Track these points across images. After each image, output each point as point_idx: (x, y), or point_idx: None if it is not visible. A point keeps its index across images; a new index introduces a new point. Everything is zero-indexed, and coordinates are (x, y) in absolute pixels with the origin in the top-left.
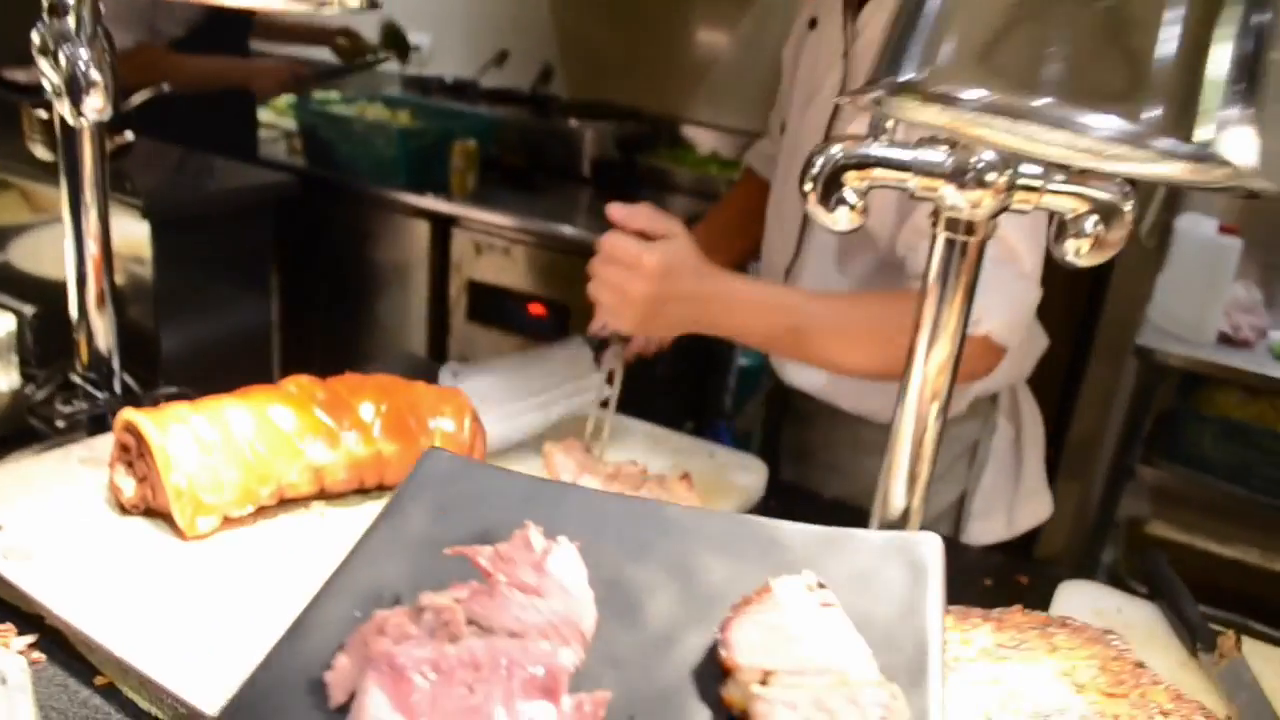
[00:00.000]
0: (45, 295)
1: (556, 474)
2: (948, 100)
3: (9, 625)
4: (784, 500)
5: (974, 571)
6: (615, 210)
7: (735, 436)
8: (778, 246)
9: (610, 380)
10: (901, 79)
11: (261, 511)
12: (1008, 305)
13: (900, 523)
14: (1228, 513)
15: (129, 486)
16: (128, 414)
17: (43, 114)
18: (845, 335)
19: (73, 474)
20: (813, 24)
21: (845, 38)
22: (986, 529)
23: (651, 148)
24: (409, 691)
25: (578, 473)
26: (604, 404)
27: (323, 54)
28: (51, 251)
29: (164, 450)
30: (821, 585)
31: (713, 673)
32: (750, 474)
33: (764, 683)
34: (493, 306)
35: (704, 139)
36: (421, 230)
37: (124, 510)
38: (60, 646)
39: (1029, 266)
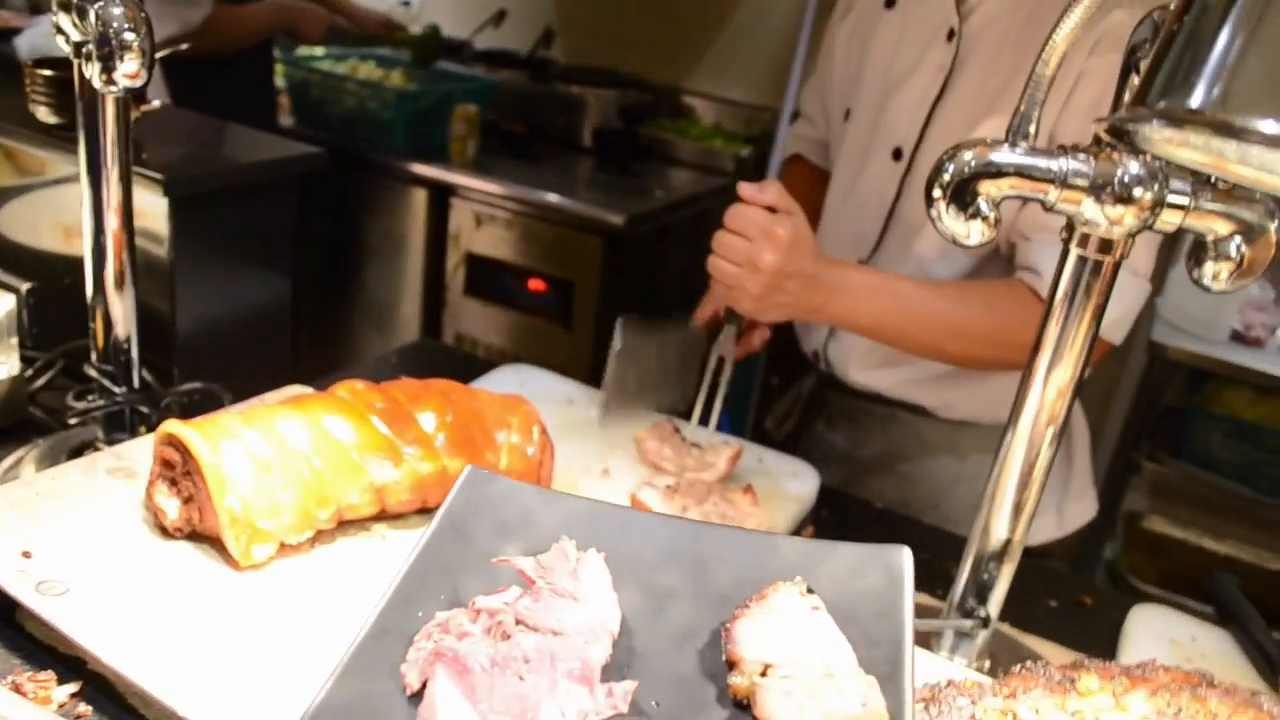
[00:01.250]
0: (42, 269)
1: (650, 459)
2: (1238, 132)
3: (49, 674)
4: (837, 510)
5: (1036, 591)
6: (746, 187)
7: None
8: (846, 238)
9: (720, 367)
10: (1190, 104)
11: (319, 535)
12: (1122, 303)
13: (1000, 556)
14: (1227, 511)
15: (173, 508)
16: (173, 428)
17: (48, 72)
18: (955, 325)
19: (102, 488)
20: (890, 3)
21: (958, 14)
22: (1039, 528)
23: (653, 118)
24: (471, 680)
25: (672, 457)
26: (711, 389)
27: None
28: (48, 221)
29: (217, 470)
30: (811, 591)
31: (722, 665)
32: (802, 481)
33: (764, 674)
34: (492, 281)
35: (706, 110)
36: (419, 199)
37: (165, 533)
38: (106, 695)
39: (1144, 265)
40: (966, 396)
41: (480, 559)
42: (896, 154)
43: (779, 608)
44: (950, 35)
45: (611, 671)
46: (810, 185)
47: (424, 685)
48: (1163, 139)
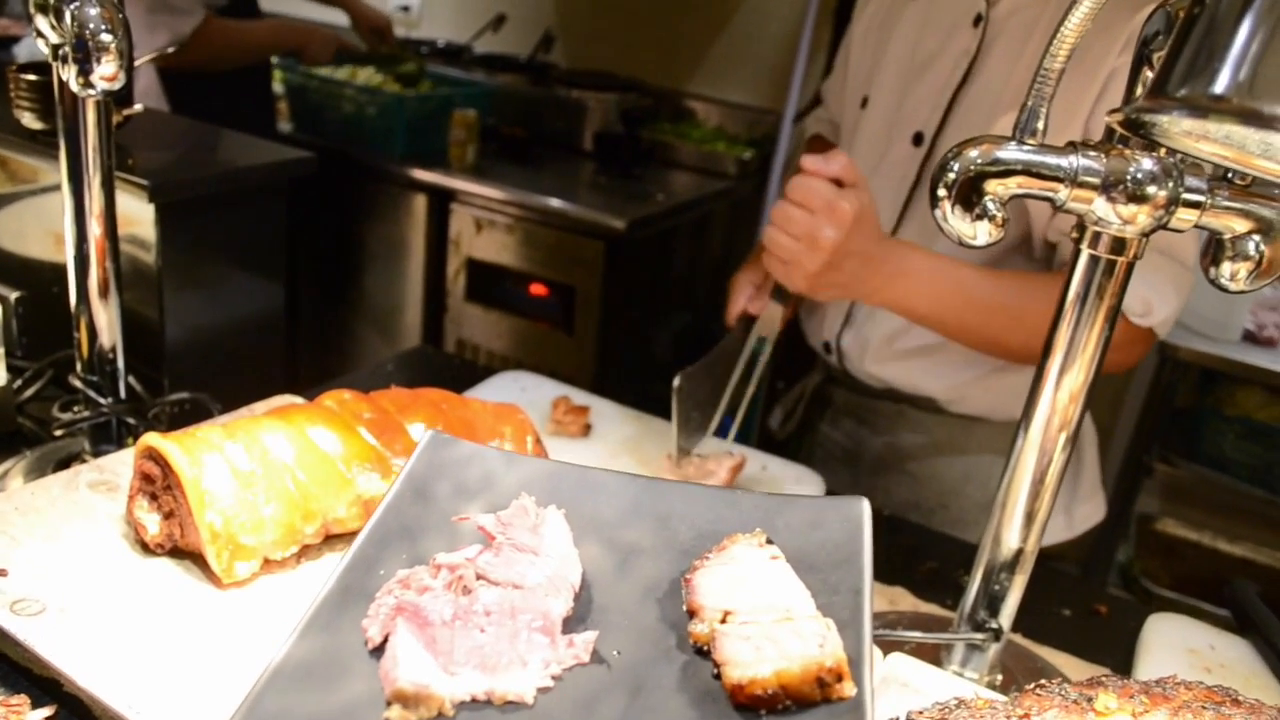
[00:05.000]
0: (32, 277)
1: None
2: (1266, 120)
3: (22, 697)
4: None
5: (1049, 600)
6: (810, 158)
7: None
8: None
9: (758, 352)
10: (1214, 91)
11: (304, 550)
12: (1177, 298)
13: (1012, 566)
14: (1241, 513)
15: (153, 523)
16: (153, 440)
17: (31, 76)
18: (1016, 314)
19: (83, 502)
20: None
21: (987, 1)
22: (1048, 529)
23: (654, 121)
24: (432, 633)
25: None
26: (746, 375)
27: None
28: (37, 229)
29: (197, 484)
30: (770, 542)
31: (682, 615)
32: (806, 488)
33: (723, 621)
34: (493, 286)
35: (708, 113)
36: (419, 204)
37: (146, 549)
38: (82, 719)
39: (1192, 256)
40: (981, 390)
41: (442, 519)
42: (917, 139)
43: (738, 558)
44: (977, 21)
45: (573, 624)
46: None
47: (386, 639)
48: (1182, 131)
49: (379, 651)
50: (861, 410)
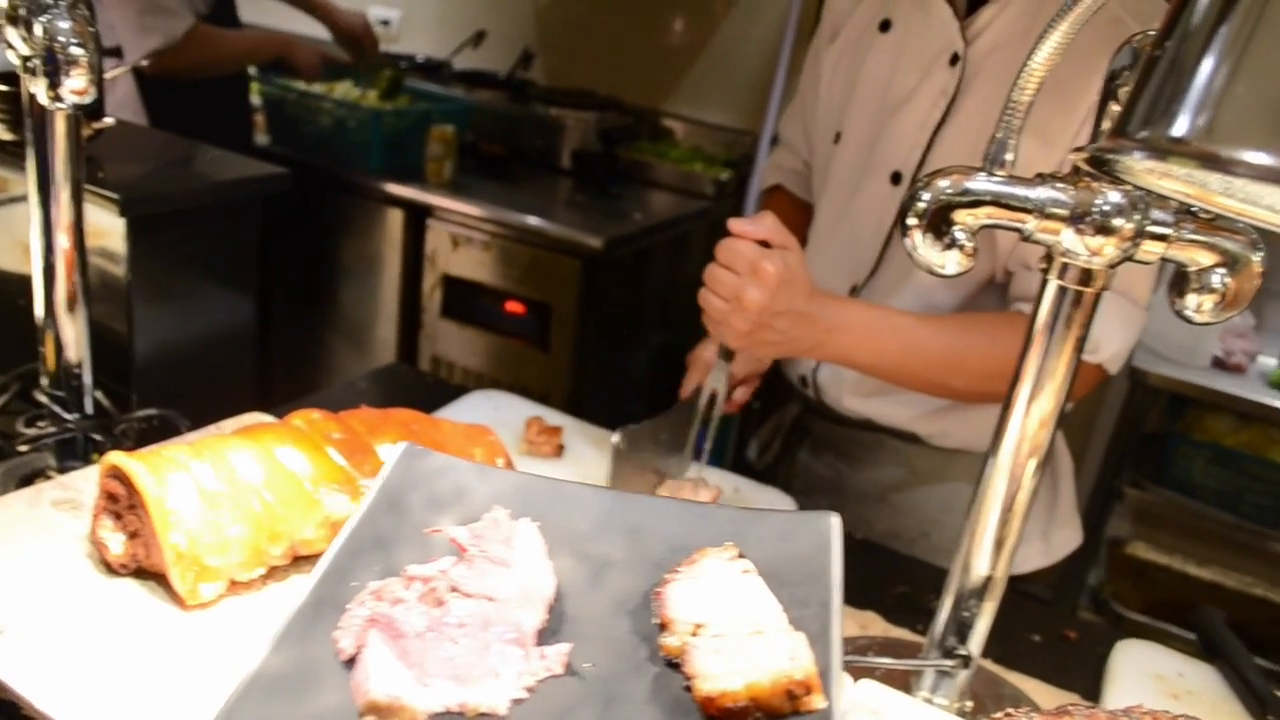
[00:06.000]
0: None
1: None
2: (1224, 164)
3: None
4: None
5: (1019, 625)
6: (736, 222)
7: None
8: (841, 262)
9: (711, 404)
10: (1173, 134)
11: (271, 572)
12: (1124, 335)
13: (981, 593)
14: (1210, 537)
15: (116, 543)
16: (117, 459)
17: (1, 87)
18: (958, 360)
19: (46, 521)
20: (884, 26)
21: (963, 39)
22: (1025, 556)
23: (633, 140)
24: (405, 644)
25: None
26: (704, 423)
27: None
28: (4, 239)
29: (162, 504)
30: (741, 555)
31: (654, 628)
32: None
33: (695, 634)
34: (469, 303)
35: (686, 133)
36: (395, 220)
37: (110, 570)
38: None
39: (1145, 295)
40: (961, 424)
41: (414, 531)
42: (895, 178)
43: (710, 572)
44: (954, 60)
45: (546, 636)
46: (792, 216)
47: (359, 651)
48: (1144, 169)
49: (352, 663)
50: (841, 442)
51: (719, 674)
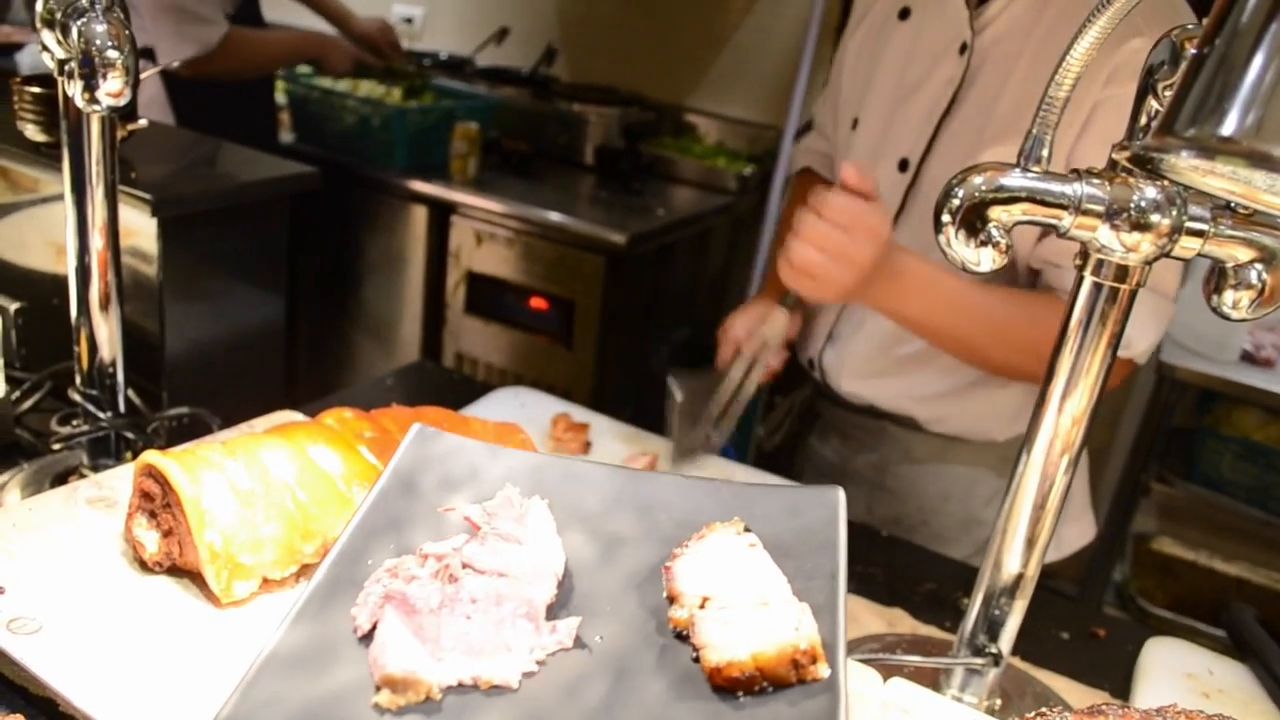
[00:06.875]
0: (31, 288)
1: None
2: (1274, 162)
3: (18, 716)
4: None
5: (1047, 623)
6: (850, 173)
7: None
8: None
9: (759, 356)
10: (1222, 133)
11: (303, 570)
12: (1157, 330)
13: (1012, 590)
14: (1237, 533)
15: (152, 541)
16: (152, 458)
17: (35, 89)
18: (1000, 327)
19: (81, 519)
20: (904, 14)
21: (971, 29)
22: None
23: (655, 136)
24: (419, 620)
25: None
26: (734, 395)
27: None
28: (38, 239)
29: (197, 504)
30: (748, 530)
31: (663, 602)
32: None
33: (702, 606)
34: (492, 299)
35: (709, 128)
36: (419, 217)
37: (145, 567)
38: None
39: (1171, 286)
40: (957, 411)
41: (428, 511)
42: (902, 165)
43: (717, 546)
44: (963, 49)
45: (557, 611)
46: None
47: (374, 627)
48: (1190, 167)
49: (368, 639)
50: (846, 426)
51: (726, 644)
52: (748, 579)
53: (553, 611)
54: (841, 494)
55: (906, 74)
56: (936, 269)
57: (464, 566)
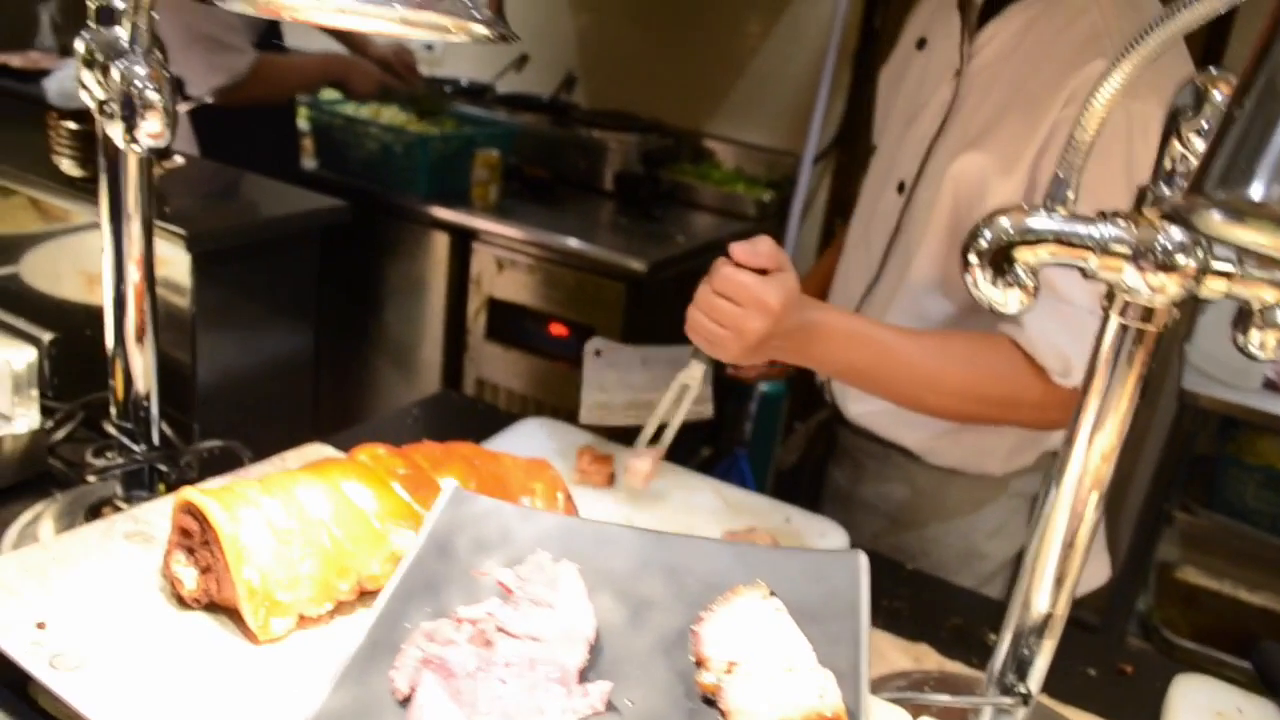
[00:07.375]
0: (64, 319)
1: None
2: None
3: None
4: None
5: (1074, 659)
6: (739, 249)
7: (753, 465)
8: (860, 267)
9: (682, 396)
10: (1252, 197)
11: (339, 606)
12: (1088, 347)
13: (1041, 630)
14: (1262, 562)
15: (190, 578)
16: (191, 496)
17: (72, 125)
18: (933, 376)
19: (119, 554)
20: (921, 44)
21: (961, 56)
22: None
23: (675, 162)
24: (456, 684)
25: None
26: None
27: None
28: (70, 269)
29: (236, 541)
30: (773, 594)
31: (690, 665)
32: (830, 542)
33: (729, 671)
34: (513, 326)
35: (728, 155)
36: (440, 243)
37: (182, 603)
38: None
39: (1090, 300)
40: (950, 444)
41: (462, 573)
42: (900, 187)
43: (743, 610)
44: (955, 74)
45: (588, 674)
46: None
47: (413, 690)
48: (1220, 224)
49: (407, 702)
50: (857, 452)
51: (753, 711)
52: (773, 644)
53: (584, 675)
54: (864, 558)
55: (914, 101)
56: (864, 323)
57: (498, 630)
